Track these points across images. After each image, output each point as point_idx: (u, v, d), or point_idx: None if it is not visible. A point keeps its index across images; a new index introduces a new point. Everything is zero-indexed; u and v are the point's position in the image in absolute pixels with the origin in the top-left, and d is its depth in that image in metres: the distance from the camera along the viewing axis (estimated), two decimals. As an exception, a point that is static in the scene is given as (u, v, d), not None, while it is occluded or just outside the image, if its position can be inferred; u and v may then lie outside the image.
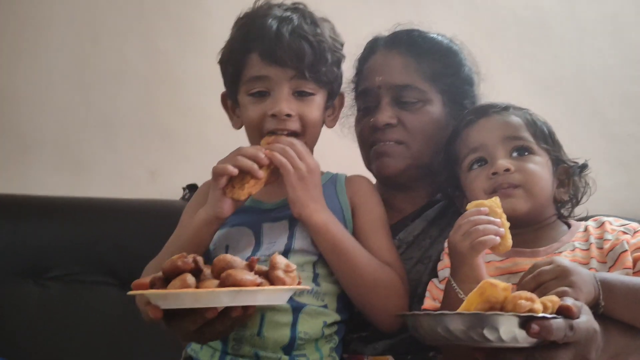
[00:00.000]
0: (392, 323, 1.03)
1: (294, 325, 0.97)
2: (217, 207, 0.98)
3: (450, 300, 0.93)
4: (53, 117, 1.86)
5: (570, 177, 1.08)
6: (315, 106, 1.07)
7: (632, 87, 1.96)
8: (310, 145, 1.08)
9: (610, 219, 1.04)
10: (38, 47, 1.88)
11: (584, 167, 1.10)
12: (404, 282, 1.04)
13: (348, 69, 1.24)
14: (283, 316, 0.97)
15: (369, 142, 1.22)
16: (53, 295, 1.44)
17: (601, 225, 1.03)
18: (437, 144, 1.19)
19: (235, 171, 0.96)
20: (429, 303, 1.03)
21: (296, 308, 0.98)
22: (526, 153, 1.04)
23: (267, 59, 1.03)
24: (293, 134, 1.05)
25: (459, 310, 0.75)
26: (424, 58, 1.21)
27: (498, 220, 0.92)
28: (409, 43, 1.22)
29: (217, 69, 1.20)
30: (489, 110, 1.10)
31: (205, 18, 1.92)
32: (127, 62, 1.89)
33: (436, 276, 1.08)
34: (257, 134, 1.06)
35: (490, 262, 1.02)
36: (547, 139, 1.08)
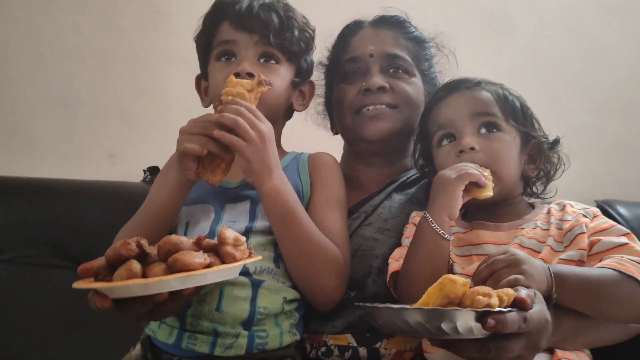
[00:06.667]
0: (324, 301, 1.04)
1: (253, 300, 0.97)
2: (187, 173, 0.96)
3: (422, 234, 0.98)
4: (4, 94, 1.78)
5: (541, 153, 1.09)
6: (278, 76, 1.10)
7: (588, 79, 2.02)
8: (269, 117, 1.02)
9: (572, 202, 1.07)
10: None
11: (555, 142, 1.10)
12: (346, 265, 1.05)
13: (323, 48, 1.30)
14: (242, 291, 0.97)
15: (358, 106, 1.22)
16: (5, 279, 1.38)
17: (563, 208, 1.05)
18: (416, 120, 1.23)
19: (204, 152, 0.93)
20: (395, 265, 1.04)
21: (255, 283, 0.98)
22: (494, 130, 1.05)
23: (235, 25, 1.09)
24: None
25: (418, 305, 0.76)
26: (409, 40, 1.27)
27: (485, 173, 0.99)
28: (396, 23, 1.28)
29: (180, 50, 1.20)
30: (459, 85, 1.11)
31: (168, -3, 1.87)
32: (85, 39, 1.82)
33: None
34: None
35: (455, 233, 1.04)
36: (518, 115, 1.08)
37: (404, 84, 1.22)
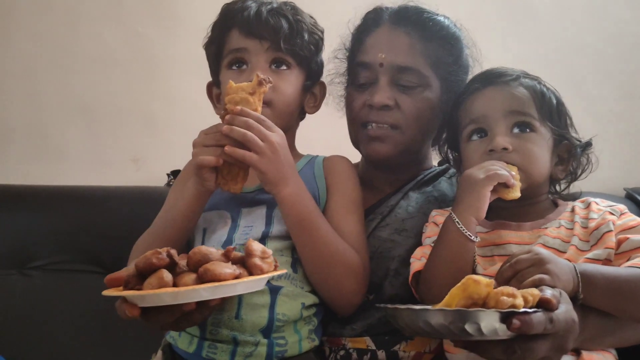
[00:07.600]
0: (344, 306, 1.03)
1: (272, 307, 0.97)
2: (207, 184, 0.97)
3: (447, 235, 0.96)
4: (31, 105, 1.83)
5: (572, 156, 1.06)
6: (289, 81, 1.10)
7: (614, 65, 1.95)
8: (280, 123, 1.02)
9: (597, 199, 1.04)
10: (15, 33, 1.85)
11: (587, 145, 1.07)
12: (365, 269, 1.04)
13: (332, 45, 1.26)
14: (261, 298, 0.97)
15: (362, 120, 1.18)
16: (37, 285, 1.43)
17: (588, 206, 1.03)
18: (429, 131, 1.20)
19: (220, 162, 0.94)
20: (417, 264, 1.02)
21: (274, 290, 0.98)
22: (527, 130, 1.01)
23: (245, 32, 1.09)
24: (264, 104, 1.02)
25: (440, 306, 0.75)
26: (431, 42, 1.16)
27: (513, 172, 0.97)
28: (417, 24, 1.17)
29: (199, 54, 1.20)
30: (496, 78, 1.06)
31: (186, 2, 1.89)
32: (106, 47, 1.86)
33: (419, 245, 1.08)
34: None
35: (476, 232, 1.02)
36: (553, 115, 1.04)
37: (411, 100, 1.14)
